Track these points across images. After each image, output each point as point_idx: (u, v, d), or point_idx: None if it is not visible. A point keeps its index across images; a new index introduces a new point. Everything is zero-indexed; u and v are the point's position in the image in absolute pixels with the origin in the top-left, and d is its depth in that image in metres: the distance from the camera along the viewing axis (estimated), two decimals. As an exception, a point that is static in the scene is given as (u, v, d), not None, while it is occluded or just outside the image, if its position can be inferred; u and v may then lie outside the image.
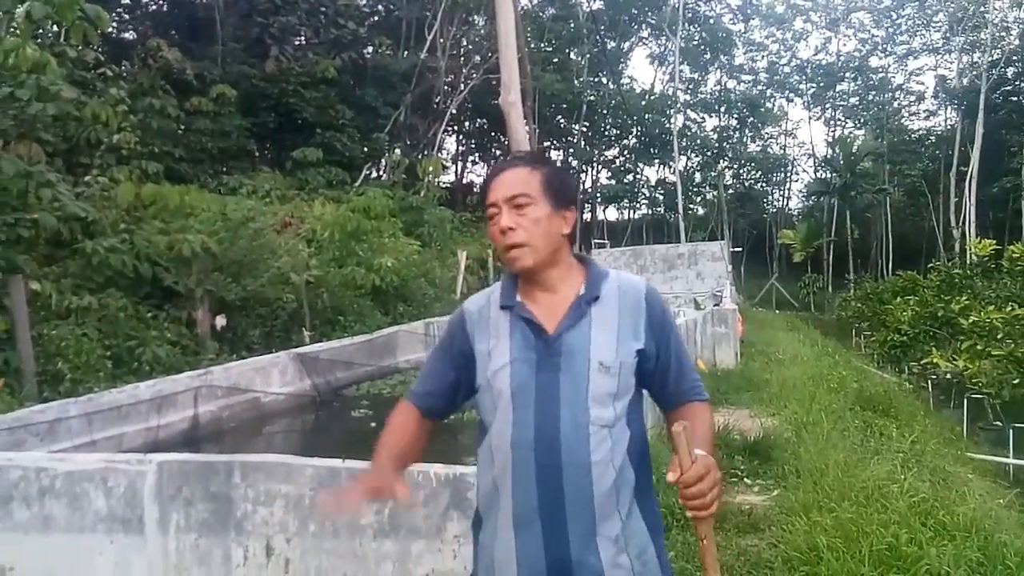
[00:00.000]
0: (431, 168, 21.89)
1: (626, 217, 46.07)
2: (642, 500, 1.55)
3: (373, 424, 7.99)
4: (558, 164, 1.88)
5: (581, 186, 39.49)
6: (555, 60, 35.37)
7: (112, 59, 15.52)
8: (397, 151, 25.56)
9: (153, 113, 15.23)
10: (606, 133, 41.57)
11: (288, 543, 3.31)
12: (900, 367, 13.78)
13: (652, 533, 1.55)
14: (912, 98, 43.36)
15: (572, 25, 35.20)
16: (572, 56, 37.08)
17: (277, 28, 21.48)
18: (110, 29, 17.19)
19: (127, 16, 22.10)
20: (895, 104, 43.52)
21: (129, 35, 22.04)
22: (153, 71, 16.62)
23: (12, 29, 8.31)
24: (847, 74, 43.32)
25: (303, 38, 24.19)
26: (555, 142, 38.31)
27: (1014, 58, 34.08)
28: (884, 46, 42.03)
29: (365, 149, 23.55)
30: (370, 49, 26.73)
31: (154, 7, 23.17)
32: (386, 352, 10.70)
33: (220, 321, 9.30)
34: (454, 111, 28.88)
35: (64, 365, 6.83)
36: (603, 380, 1.49)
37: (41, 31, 10.65)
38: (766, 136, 47.33)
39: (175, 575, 3.46)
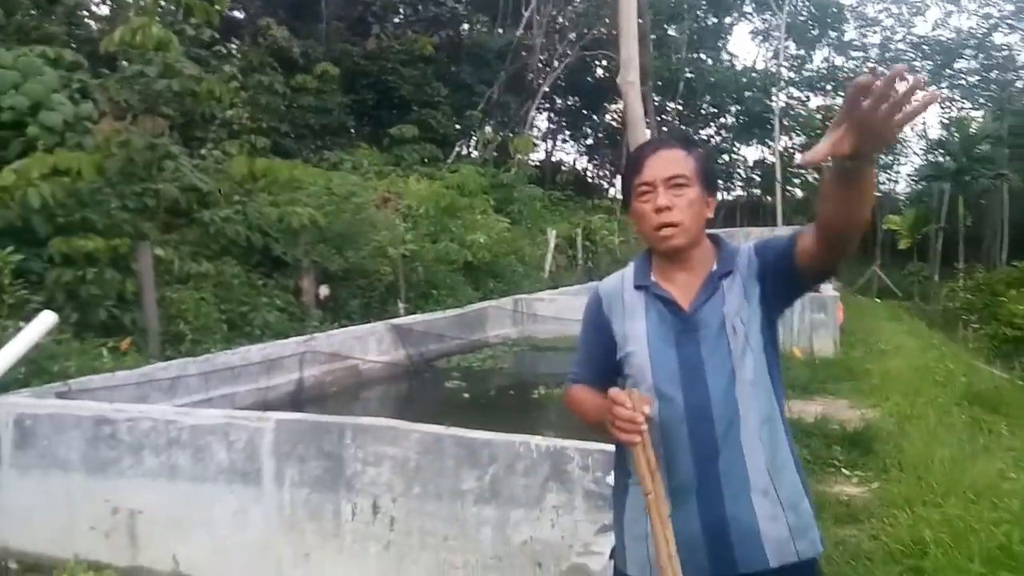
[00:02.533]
0: (522, 146, 21.95)
1: (720, 199, 44.83)
2: (790, 454, 1.59)
3: (466, 395, 8.20)
4: (706, 149, 1.92)
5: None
6: (653, 36, 34.63)
7: (224, 37, 16.20)
8: (489, 128, 25.72)
9: (262, 90, 15.88)
10: (703, 111, 40.51)
11: (394, 503, 3.48)
12: (1012, 363, 13.00)
13: (805, 488, 1.59)
14: (1038, 77, 40.36)
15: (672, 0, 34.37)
16: (671, 32, 36.20)
17: (379, 6, 21.93)
18: (223, 8, 17.91)
19: (238, -5, 22.98)
20: (1018, 84, 40.55)
21: (239, 13, 22.98)
22: (262, 49, 17.28)
23: (140, 7, 8.82)
24: (967, 51, 40.62)
25: (403, 16, 24.59)
26: (650, 120, 37.59)
27: None
28: (1010, 21, 39.19)
29: (458, 126, 23.82)
30: (467, 26, 26.93)
31: (263, -15, 24.00)
32: (476, 326, 10.90)
33: (324, 291, 9.71)
34: (547, 89, 28.76)
35: (184, 327, 7.32)
36: (741, 343, 1.54)
37: (163, 9, 11.25)
38: (874, 116, 44.97)
39: (288, 526, 3.69)
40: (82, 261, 6.95)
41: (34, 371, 5.14)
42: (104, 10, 15.04)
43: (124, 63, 9.76)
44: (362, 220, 10.96)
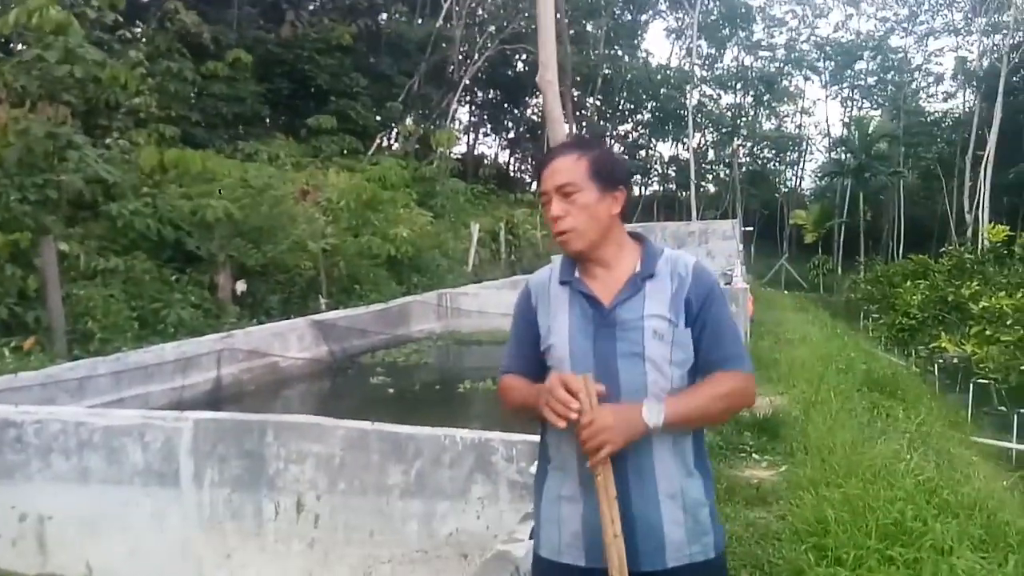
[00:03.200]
0: (445, 139, 21.88)
1: (638, 193, 45.91)
2: (699, 463, 1.67)
3: (390, 391, 8.16)
4: (607, 146, 1.96)
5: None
6: (571, 32, 35.03)
7: (129, 20, 15.48)
8: (410, 120, 25.50)
9: (170, 77, 15.24)
10: (620, 107, 41.30)
11: (318, 500, 3.47)
12: (908, 350, 13.85)
13: (707, 494, 1.66)
14: (931, 79, 42.99)
15: (589, -4, 34.84)
16: (588, 28, 36.70)
17: (294, -8, 21.38)
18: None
19: (144, -24, 21.98)
20: (913, 85, 43.05)
21: (146, -4, 21.99)
22: (170, 34, 16.59)
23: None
24: (866, 53, 42.82)
25: (318, 3, 24.06)
26: (568, 117, 38.01)
27: (1037, 41, 33.60)
28: (905, 25, 41.53)
29: (379, 118, 23.52)
30: (385, 16, 26.56)
31: (170, -32, 23.02)
32: (400, 321, 10.85)
33: (241, 286, 9.47)
34: (468, 81, 28.73)
35: (93, 325, 7.01)
36: (658, 346, 1.60)
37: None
38: (782, 114, 46.97)
39: (209, 527, 3.63)
40: (-21, 257, 6.58)
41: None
42: (-3, -12, 14.15)
43: (21, 47, 9.23)
44: (280, 213, 10.72)
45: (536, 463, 1.81)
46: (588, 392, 1.52)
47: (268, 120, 21.53)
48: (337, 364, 9.00)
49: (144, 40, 15.35)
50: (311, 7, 23.51)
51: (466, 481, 3.23)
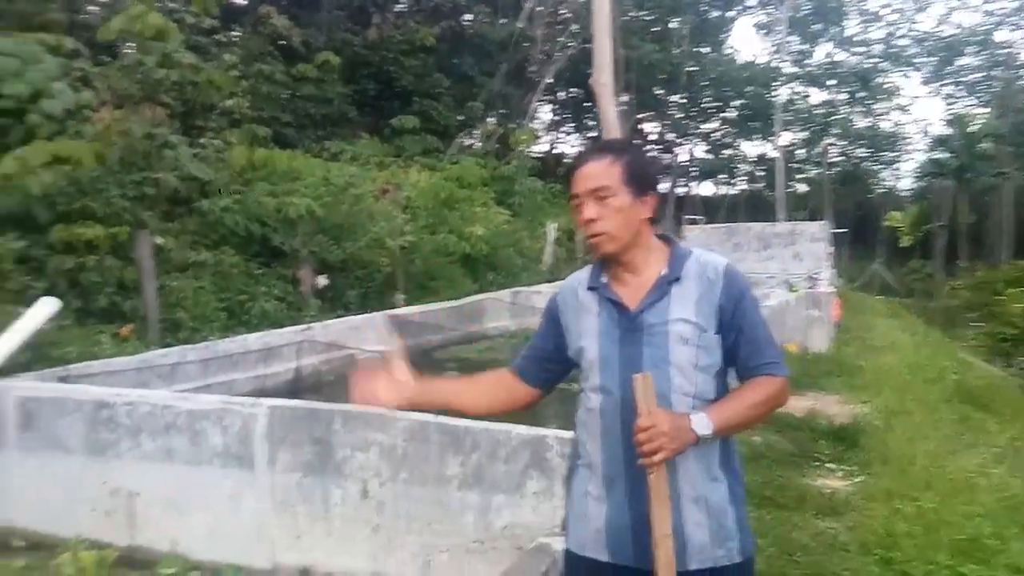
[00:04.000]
0: (523, 138, 21.98)
1: (722, 193, 44.92)
2: (726, 468, 1.66)
3: (461, 386, 8.26)
4: (640, 150, 1.96)
5: (675, 160, 38.70)
6: (654, 29, 34.56)
7: (224, 25, 16.20)
8: (491, 120, 25.72)
9: (263, 79, 15.90)
10: (705, 105, 40.45)
11: (381, 487, 3.58)
12: (1009, 361, 13.06)
13: (733, 501, 1.66)
14: (1041, 75, 40.28)
15: (673, -7, 34.27)
16: (672, 25, 36.11)
17: (379, -5, 21.88)
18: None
19: (239, -17, 22.95)
20: (1020, 82, 40.45)
21: (240, 0, 22.96)
22: (263, 37, 17.29)
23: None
24: (970, 48, 40.51)
25: (404, 5, 24.55)
26: (651, 113, 37.57)
27: None
28: (1013, 18, 39.09)
29: (460, 117, 23.81)
30: (468, 17, 26.88)
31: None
32: (474, 318, 10.99)
33: (321, 281, 9.81)
34: (549, 81, 28.73)
35: (183, 314, 7.43)
36: (684, 351, 1.61)
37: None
38: (877, 112, 44.92)
39: (281, 508, 3.79)
40: (82, 249, 7.05)
41: (36, 356, 5.24)
42: (105, -3, 15.06)
43: (125, 51, 9.83)
44: (360, 211, 11.04)
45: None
46: (647, 393, 1.52)
47: (354, 120, 22.14)
48: (411, 358, 9.17)
49: (238, 44, 16.03)
50: (396, 9, 24.03)
51: (521, 476, 3.27)
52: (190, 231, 8.95)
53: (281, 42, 18.00)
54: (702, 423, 1.55)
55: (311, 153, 15.27)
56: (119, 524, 4.09)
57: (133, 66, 8.84)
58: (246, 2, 21.00)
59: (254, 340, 7.27)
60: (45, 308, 4.76)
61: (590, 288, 1.74)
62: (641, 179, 1.68)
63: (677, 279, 1.66)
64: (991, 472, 4.51)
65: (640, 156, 1.79)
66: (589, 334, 1.70)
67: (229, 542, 3.88)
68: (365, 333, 8.75)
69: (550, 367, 1.85)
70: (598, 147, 1.77)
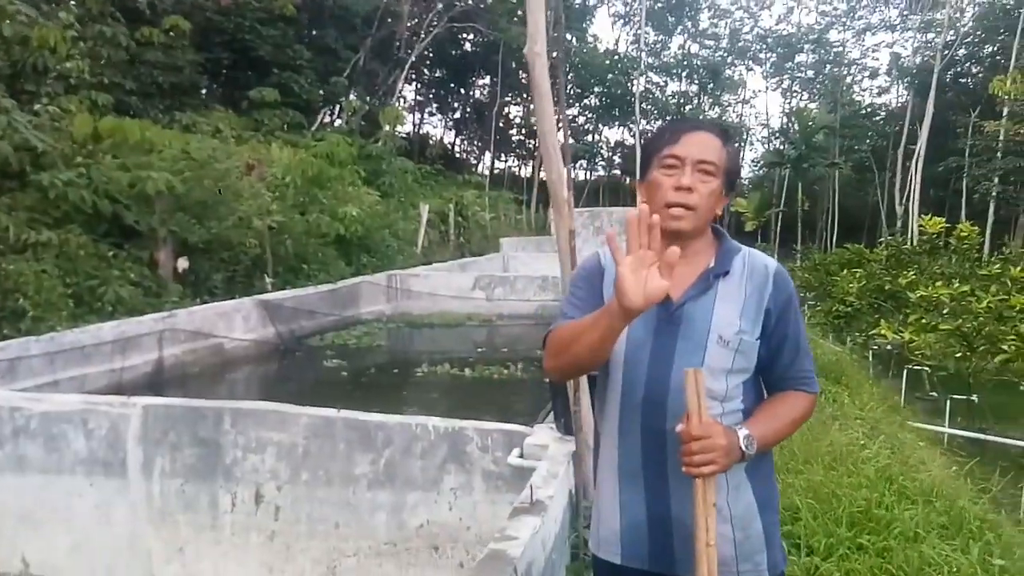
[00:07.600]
0: (391, 117, 21.45)
1: (583, 178, 46.14)
2: (754, 475, 1.56)
3: (344, 374, 7.93)
4: (736, 148, 1.84)
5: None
6: (520, 12, 34.73)
7: (58, -21, 14.60)
8: (355, 97, 24.93)
9: (103, 41, 14.44)
10: (568, 91, 41.22)
11: (279, 491, 3.31)
12: (843, 337, 14.25)
13: (761, 509, 1.56)
14: (866, 73, 44.30)
15: (539, -23, 34.52)
16: (537, 10, 36.42)
17: (235, -42, 20.52)
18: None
19: (74, -66, 20.79)
20: (849, 79, 44.27)
21: (76, -45, 20.81)
22: (103, -5, 15.71)
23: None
24: (806, 46, 43.81)
25: (261, -29, 23.17)
26: (515, 97, 37.89)
27: (967, 40, 34.89)
28: (843, 20, 42.62)
29: (322, 93, 22.91)
30: (330, -13, 25.81)
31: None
32: (349, 302, 10.60)
33: (182, 263, 9.05)
34: (415, 59, 28.22)
35: (24, 302, 6.56)
36: (720, 353, 1.50)
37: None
38: (724, 104, 47.71)
39: (160, 519, 3.43)
40: None
41: None
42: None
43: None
44: (225, 188, 10.28)
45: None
46: (699, 390, 1.38)
47: (206, 91, 20.73)
48: (284, 346, 8.71)
49: (75, 2, 14.48)
50: (253, -26, 22.63)
51: (438, 471, 3.12)
52: (26, 207, 7.96)
53: (124, 2, 16.43)
54: (749, 442, 1.44)
55: (160, 124, 14.09)
56: (-43, 546, 3.55)
57: (-49, 18, 7.72)
58: (81, -45, 19.04)
59: (108, 330, 6.58)
60: None
61: None
62: (734, 175, 1.58)
63: (725, 273, 1.55)
64: (861, 443, 4.81)
65: (737, 153, 1.67)
66: None
67: (97, 557, 3.48)
68: (234, 320, 8.19)
69: None
70: (709, 123, 1.63)
